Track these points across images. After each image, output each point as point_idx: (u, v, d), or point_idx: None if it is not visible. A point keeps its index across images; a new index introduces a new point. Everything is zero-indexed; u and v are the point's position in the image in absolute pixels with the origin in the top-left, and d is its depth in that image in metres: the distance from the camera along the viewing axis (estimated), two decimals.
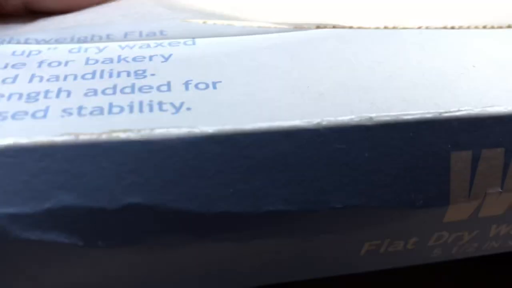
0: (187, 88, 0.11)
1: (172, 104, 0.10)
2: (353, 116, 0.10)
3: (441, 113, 0.10)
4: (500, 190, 0.11)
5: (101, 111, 0.10)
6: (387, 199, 0.10)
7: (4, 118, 0.10)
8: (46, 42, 0.13)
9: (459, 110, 0.10)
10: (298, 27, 0.13)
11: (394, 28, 0.13)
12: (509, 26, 0.14)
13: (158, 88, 0.11)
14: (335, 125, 0.10)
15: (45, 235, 0.10)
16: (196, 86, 0.11)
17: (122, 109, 0.10)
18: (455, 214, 0.11)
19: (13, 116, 0.10)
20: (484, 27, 0.14)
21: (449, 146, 0.10)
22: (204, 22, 0.14)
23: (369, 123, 0.10)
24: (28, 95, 0.10)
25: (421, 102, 0.10)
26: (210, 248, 0.11)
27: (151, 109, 0.10)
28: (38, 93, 0.10)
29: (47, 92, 0.10)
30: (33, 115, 0.10)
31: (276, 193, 0.10)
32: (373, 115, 0.10)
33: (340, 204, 0.10)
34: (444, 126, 0.10)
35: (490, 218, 0.12)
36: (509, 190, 0.11)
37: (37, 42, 0.13)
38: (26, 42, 0.13)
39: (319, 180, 0.10)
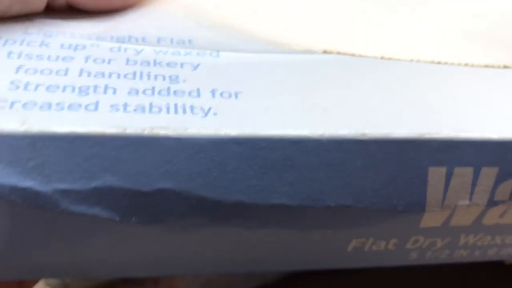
0: (213, 96, 0.13)
1: (201, 109, 0.12)
2: (350, 131, 0.12)
3: (422, 134, 0.12)
4: (469, 202, 0.13)
5: (143, 109, 0.12)
6: (373, 201, 0.13)
7: (62, 108, 0.12)
8: (89, 38, 0.15)
9: (437, 133, 0.12)
10: (307, 51, 0.16)
11: (389, 59, 0.16)
12: (502, 66, 0.16)
13: (190, 94, 0.13)
14: (335, 137, 0.12)
15: (89, 209, 0.12)
16: (221, 94, 0.13)
17: (160, 109, 0.12)
18: (430, 220, 0.13)
19: (69, 107, 0.12)
20: (466, 64, 0.16)
21: (428, 162, 0.13)
22: (227, 37, 0.16)
23: (363, 137, 0.12)
24: (80, 88, 0.12)
25: (407, 123, 0.13)
26: (223, 231, 0.13)
27: (184, 112, 0.12)
28: (88, 88, 0.12)
29: (95, 87, 0.12)
30: (86, 108, 0.12)
31: (282, 189, 0.12)
32: (366, 131, 0.12)
33: (334, 203, 0.12)
34: (425, 145, 0.12)
35: (460, 227, 0.14)
36: (476, 204, 0.13)
37: (81, 37, 0.14)
38: (71, 37, 0.14)
39: (318, 182, 0.12)
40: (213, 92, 0.13)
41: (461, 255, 0.15)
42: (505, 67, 0.16)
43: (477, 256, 0.16)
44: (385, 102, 0.13)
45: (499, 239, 0.15)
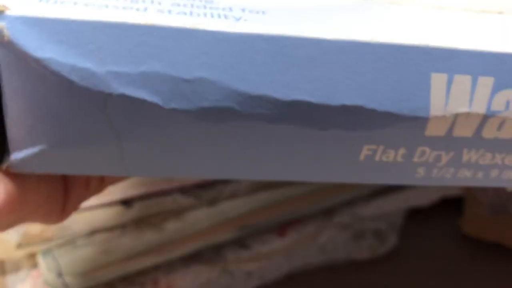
0: (243, 11, 0.14)
1: (234, 17, 0.14)
2: (364, 36, 0.14)
3: (426, 42, 0.14)
4: (468, 110, 0.15)
5: (184, 14, 0.14)
6: (382, 103, 0.14)
7: (117, 8, 0.13)
8: None
9: (439, 42, 0.14)
10: None
11: (400, 4, 0.17)
12: (497, 12, 0.18)
13: (223, 9, 0.14)
14: (350, 40, 0.14)
15: (135, 91, 0.13)
16: (250, 11, 0.15)
17: (199, 15, 0.14)
18: (434, 128, 0.15)
19: (123, 8, 0.13)
20: (465, 9, 0.18)
21: (431, 68, 0.14)
22: None
23: (374, 41, 0.14)
24: None
25: (412, 35, 0.14)
26: (248, 125, 0.14)
27: (219, 17, 0.14)
28: None
29: None
30: (136, 9, 0.13)
31: (303, 86, 0.14)
32: (378, 37, 0.14)
33: (348, 102, 0.14)
34: (428, 52, 0.14)
35: (462, 139, 0.15)
36: (476, 113, 0.15)
37: None
38: None
39: (335, 81, 0.14)
40: (243, 9, 0.15)
41: (465, 176, 0.16)
42: (500, 12, 0.18)
43: (480, 178, 0.17)
44: (395, 21, 0.15)
45: (499, 158, 0.16)
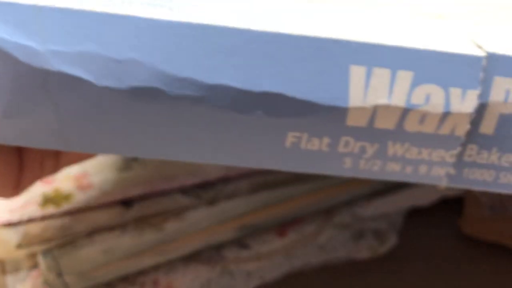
0: (176, 2, 0.15)
1: (166, 6, 0.15)
2: (289, 30, 0.15)
3: (345, 36, 0.15)
4: (388, 102, 0.15)
5: (122, 2, 0.15)
6: (302, 91, 0.15)
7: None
8: None
9: (358, 37, 0.15)
10: None
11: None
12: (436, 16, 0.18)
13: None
14: (271, 31, 0.14)
15: (72, 69, 0.14)
16: (183, 2, 0.15)
17: (134, 3, 0.15)
18: (355, 118, 0.15)
19: None
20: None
21: (349, 60, 0.15)
22: None
23: (293, 33, 0.15)
24: None
25: (333, 29, 0.15)
26: (172, 105, 0.15)
27: (154, 6, 0.15)
28: None
29: None
30: None
31: (225, 71, 0.15)
32: (297, 29, 0.15)
33: (269, 89, 0.15)
34: (346, 45, 0.15)
35: (385, 132, 0.16)
36: (395, 105, 0.15)
37: None
38: None
39: (257, 68, 0.15)
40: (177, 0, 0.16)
41: (394, 170, 0.17)
42: (439, 17, 0.18)
43: (409, 173, 0.17)
44: (321, 16, 0.16)
45: (426, 153, 0.16)
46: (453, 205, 0.34)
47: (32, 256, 0.26)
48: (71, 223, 0.26)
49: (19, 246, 0.25)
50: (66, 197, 0.26)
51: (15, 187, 0.18)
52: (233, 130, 0.16)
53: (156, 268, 0.28)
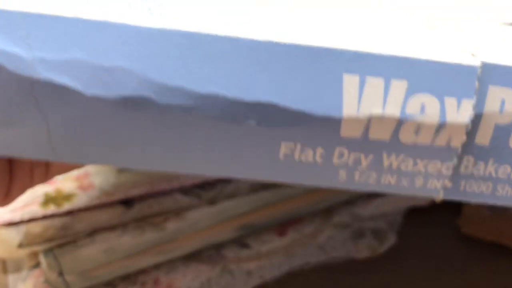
0: (164, 7, 0.15)
1: (155, 13, 0.15)
2: (280, 39, 0.14)
3: (337, 45, 0.15)
4: (382, 111, 0.15)
5: (108, 7, 0.14)
6: (295, 101, 0.15)
7: (47, 1, 0.14)
8: None
9: (350, 46, 0.15)
10: None
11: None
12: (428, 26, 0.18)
13: (147, 4, 0.15)
14: (260, 40, 0.14)
15: (59, 77, 0.14)
16: (171, 7, 0.15)
17: (123, 9, 0.14)
18: (349, 128, 0.15)
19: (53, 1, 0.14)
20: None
21: (342, 69, 0.15)
22: None
23: (283, 41, 0.14)
24: None
25: (326, 37, 0.15)
26: (164, 114, 0.15)
27: (142, 11, 0.14)
28: None
29: None
30: (65, 2, 0.14)
31: (217, 80, 0.14)
32: (288, 38, 0.14)
33: (262, 98, 0.14)
34: (339, 54, 0.14)
35: (380, 143, 0.16)
36: (390, 115, 0.15)
37: None
38: None
39: (250, 78, 0.14)
40: (164, 5, 0.15)
41: (389, 182, 0.16)
42: (431, 27, 0.18)
43: (405, 186, 0.17)
44: (313, 24, 0.16)
45: (421, 164, 0.16)
46: (452, 205, 0.34)
47: (34, 255, 0.26)
48: (72, 223, 0.26)
49: (21, 245, 0.25)
50: (67, 197, 0.26)
51: (5, 197, 0.18)
52: (224, 140, 0.15)
53: (156, 267, 0.28)
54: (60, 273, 0.26)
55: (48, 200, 0.26)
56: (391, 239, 0.31)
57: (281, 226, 0.30)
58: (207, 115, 0.15)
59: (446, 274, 0.30)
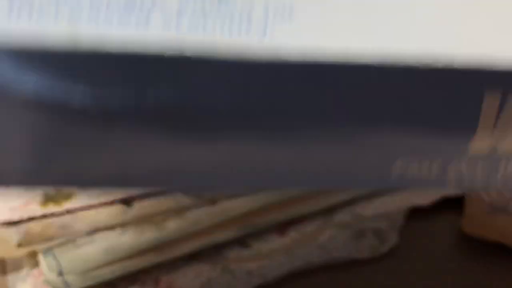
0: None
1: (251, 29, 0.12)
2: (412, 58, 0.13)
3: (479, 63, 0.13)
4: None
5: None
6: (429, 123, 0.13)
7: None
8: None
9: (493, 61, 0.13)
10: None
11: None
12: None
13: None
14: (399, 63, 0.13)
15: None
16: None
17: None
18: (479, 145, 0.14)
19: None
20: None
21: (483, 87, 0.13)
22: None
23: (423, 65, 0.13)
24: None
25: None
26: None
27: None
28: None
29: None
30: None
31: (340, 109, 0.13)
32: (428, 58, 0.13)
33: (394, 125, 0.13)
34: (481, 73, 0.13)
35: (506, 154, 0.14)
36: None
37: None
38: None
39: (379, 103, 0.13)
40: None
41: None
42: None
43: None
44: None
45: None
46: (454, 204, 0.34)
47: (33, 255, 0.26)
48: (72, 222, 0.26)
49: (20, 245, 0.25)
50: (67, 196, 0.26)
51: None
52: (345, 157, 0.14)
53: (157, 267, 0.28)
54: (60, 273, 0.25)
55: (47, 199, 0.26)
56: (392, 239, 0.31)
57: (282, 226, 0.30)
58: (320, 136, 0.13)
59: (448, 273, 0.30)
